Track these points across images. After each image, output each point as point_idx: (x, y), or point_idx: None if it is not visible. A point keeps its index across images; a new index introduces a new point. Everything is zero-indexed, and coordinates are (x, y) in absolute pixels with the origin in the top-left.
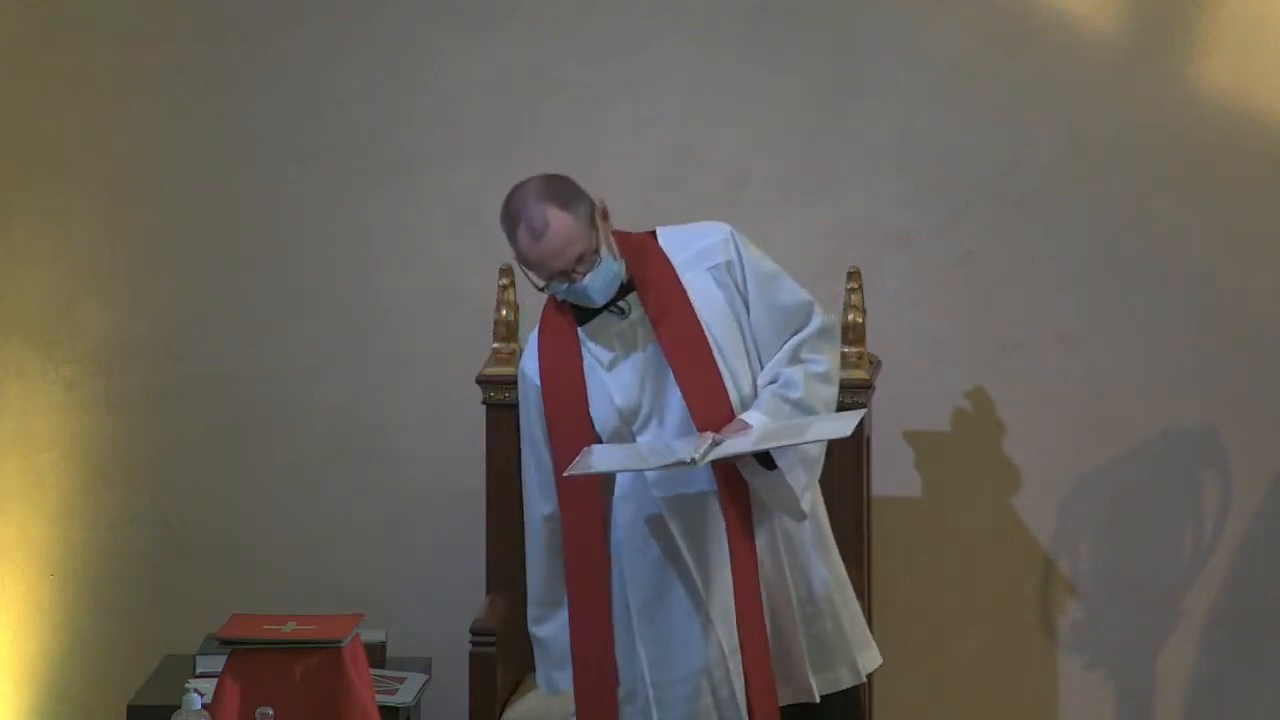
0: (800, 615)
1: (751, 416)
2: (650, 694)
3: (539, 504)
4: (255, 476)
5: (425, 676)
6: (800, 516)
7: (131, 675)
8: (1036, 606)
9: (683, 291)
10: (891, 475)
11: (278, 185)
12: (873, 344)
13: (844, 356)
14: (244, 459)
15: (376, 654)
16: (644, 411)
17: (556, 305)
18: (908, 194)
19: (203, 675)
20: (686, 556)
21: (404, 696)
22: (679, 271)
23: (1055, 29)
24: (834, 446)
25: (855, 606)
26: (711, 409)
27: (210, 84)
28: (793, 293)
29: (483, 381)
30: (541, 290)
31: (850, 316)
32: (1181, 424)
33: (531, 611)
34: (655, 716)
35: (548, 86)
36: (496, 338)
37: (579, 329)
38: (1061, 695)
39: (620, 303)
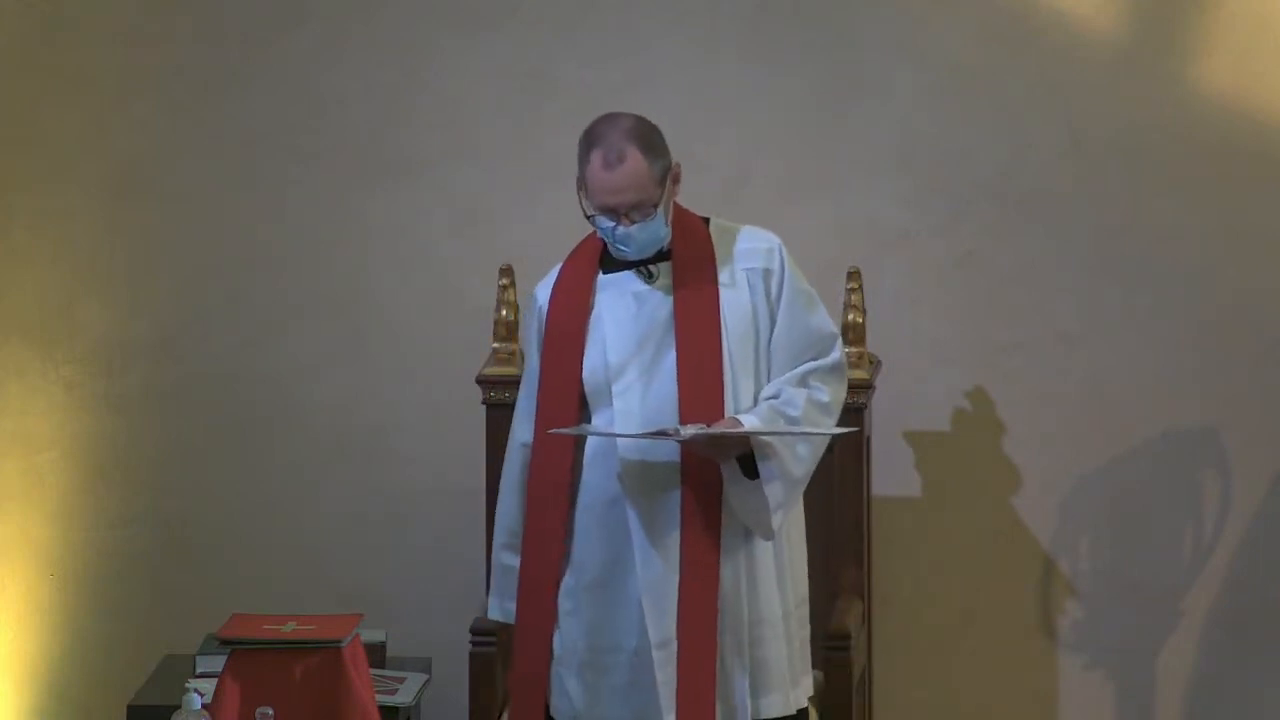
0: (749, 636)
1: (745, 417)
2: (583, 656)
3: (522, 430)
4: (255, 476)
5: (425, 676)
6: (768, 534)
7: (131, 675)
8: (1036, 606)
9: (715, 282)
10: (891, 475)
11: (278, 185)
12: (873, 344)
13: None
14: (244, 459)
15: (376, 654)
16: (629, 376)
17: (592, 244)
18: (908, 194)
19: (203, 675)
20: (634, 540)
21: (404, 696)
22: (719, 263)
23: (1055, 29)
24: (834, 446)
25: (806, 634)
26: (703, 402)
27: (210, 84)
28: (822, 320)
29: (483, 381)
30: (587, 219)
31: (850, 316)
32: (1181, 424)
33: (499, 538)
34: (586, 678)
35: (548, 86)
36: (496, 338)
37: (601, 275)
38: (1061, 695)
39: (652, 266)
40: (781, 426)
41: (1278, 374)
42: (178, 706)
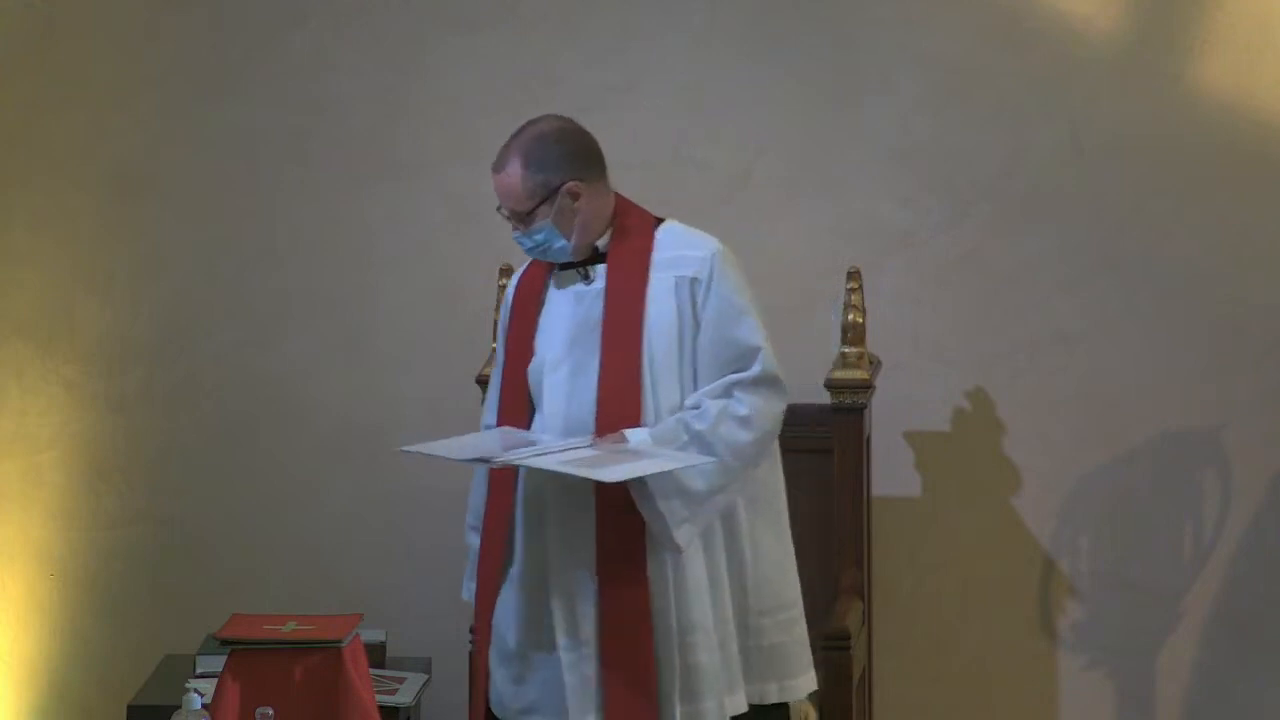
0: (679, 642)
1: (636, 433)
2: (510, 647)
3: (488, 415)
4: (255, 476)
5: (425, 676)
6: (674, 548)
7: (131, 675)
8: (1036, 606)
9: (643, 287)
10: (891, 475)
11: (278, 185)
12: (873, 344)
13: (844, 356)
14: (244, 459)
15: (376, 654)
16: (559, 375)
17: None
18: (908, 194)
19: (203, 675)
20: (550, 541)
21: (404, 696)
22: (653, 268)
23: (1055, 29)
24: (834, 446)
25: (734, 647)
26: (619, 409)
27: (210, 84)
28: (748, 333)
29: (483, 381)
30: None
31: (850, 316)
32: (1181, 424)
33: (469, 520)
34: (512, 669)
35: (548, 86)
36: (496, 338)
37: (558, 271)
38: (1061, 695)
39: (590, 267)
40: (682, 441)
41: (1278, 374)
42: (178, 706)
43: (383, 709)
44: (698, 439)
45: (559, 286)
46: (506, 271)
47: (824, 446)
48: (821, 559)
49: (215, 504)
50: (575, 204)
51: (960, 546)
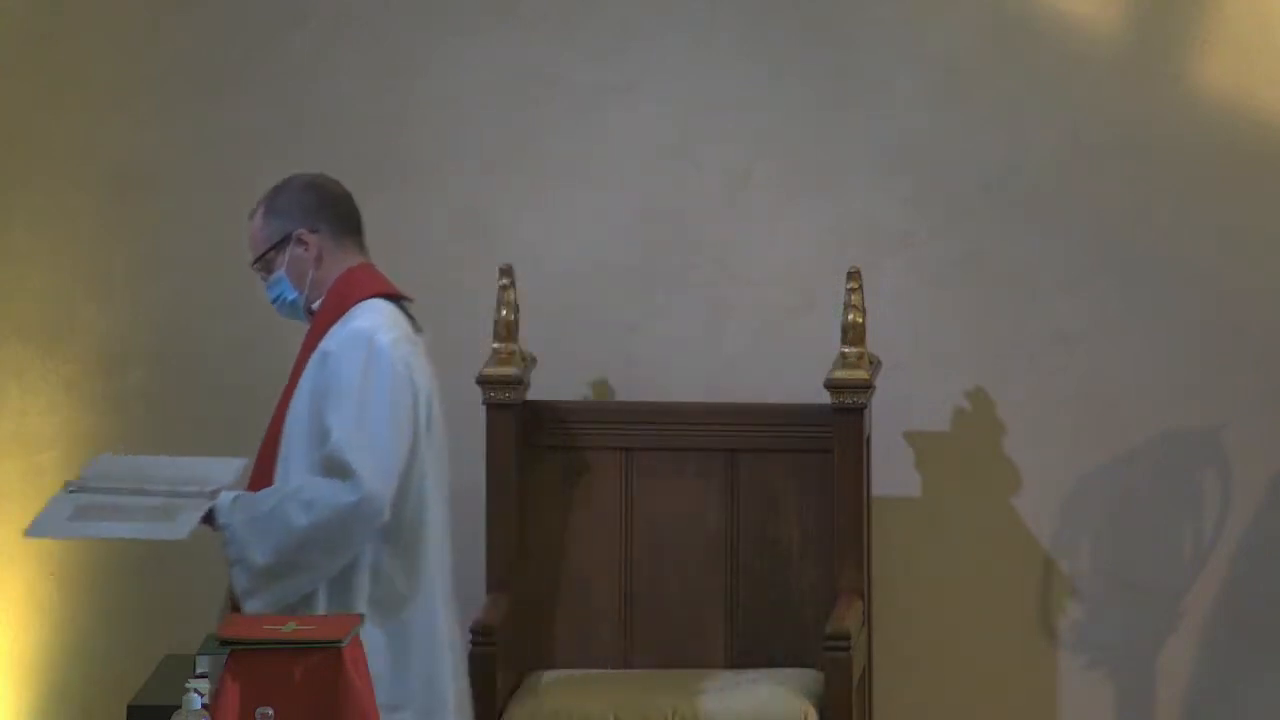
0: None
1: (225, 496)
2: None
3: None
4: None
5: None
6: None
7: (131, 675)
8: (1036, 606)
9: (307, 356)
10: (891, 475)
11: None
12: (873, 344)
13: (844, 356)
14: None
15: None
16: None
17: None
18: (908, 194)
19: (203, 675)
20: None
21: None
22: (325, 339)
23: (1055, 29)
24: (835, 446)
25: None
26: (261, 471)
27: (210, 84)
28: (337, 420)
29: (483, 381)
30: None
31: (850, 316)
32: (1182, 424)
33: None
34: None
35: (548, 86)
36: (496, 338)
37: None
38: (1061, 695)
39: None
40: (262, 510)
41: (1278, 374)
42: (178, 706)
43: None
44: (266, 514)
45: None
46: (507, 271)
47: (824, 446)
48: (821, 559)
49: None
50: (305, 253)
51: (960, 546)
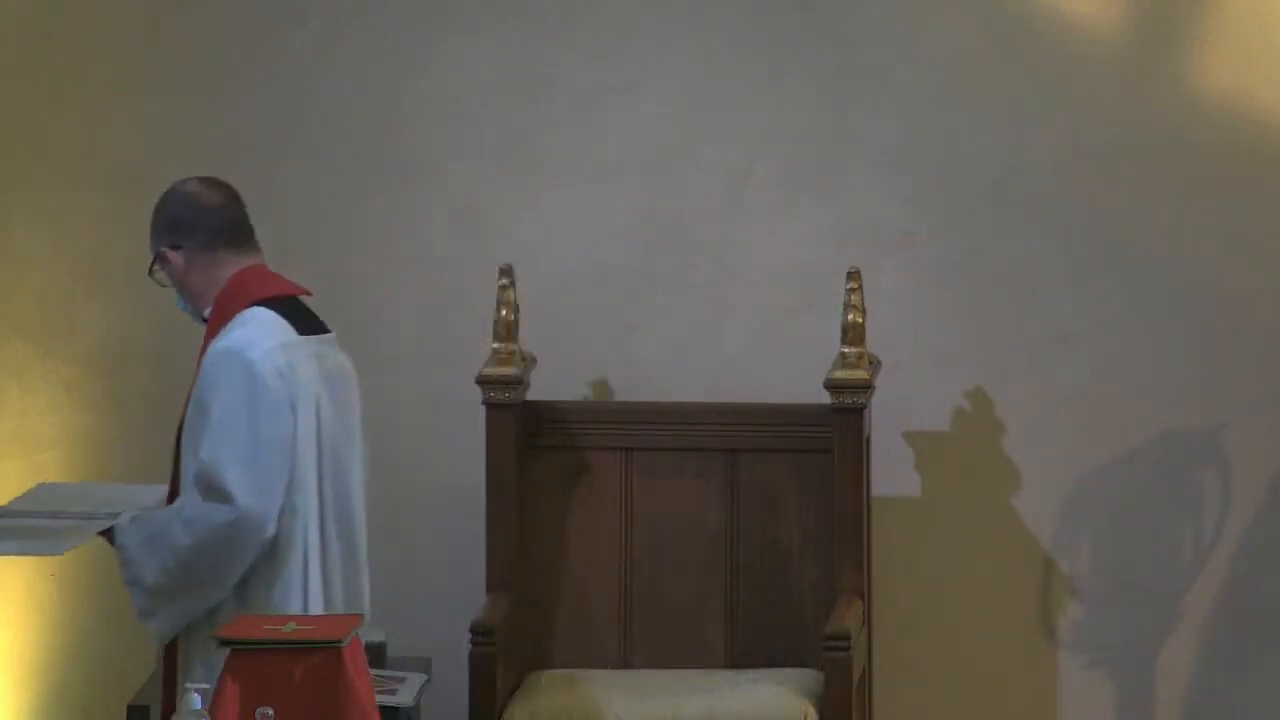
0: None
1: (124, 516)
2: None
3: None
4: None
5: (425, 676)
6: (153, 640)
7: (131, 675)
8: (1036, 606)
9: (199, 367)
10: (891, 475)
11: (277, 185)
12: (873, 344)
13: (844, 356)
14: None
15: (376, 654)
16: None
17: None
18: (908, 194)
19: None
20: None
21: (404, 696)
22: (205, 353)
23: (1055, 29)
24: (835, 446)
25: None
26: (172, 482)
27: (210, 84)
28: (208, 442)
29: (483, 381)
30: None
31: (850, 316)
32: (1182, 424)
33: None
34: None
35: (548, 86)
36: (496, 338)
37: None
38: (1061, 695)
39: None
40: (149, 533)
41: (1278, 374)
42: None
43: (383, 709)
44: (154, 535)
45: None
46: (507, 271)
47: (824, 446)
48: (821, 559)
49: None
50: (173, 269)
51: (960, 546)
